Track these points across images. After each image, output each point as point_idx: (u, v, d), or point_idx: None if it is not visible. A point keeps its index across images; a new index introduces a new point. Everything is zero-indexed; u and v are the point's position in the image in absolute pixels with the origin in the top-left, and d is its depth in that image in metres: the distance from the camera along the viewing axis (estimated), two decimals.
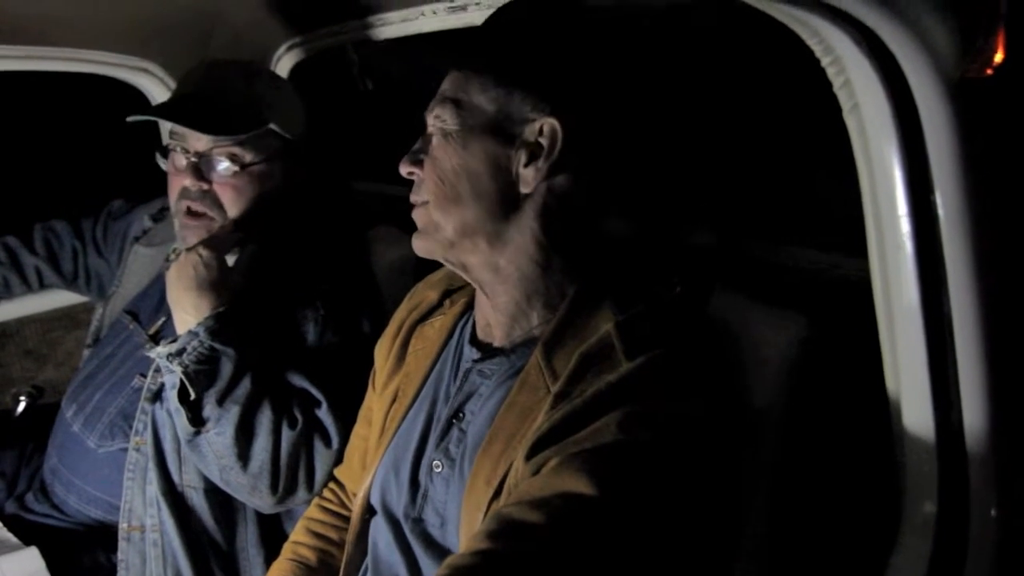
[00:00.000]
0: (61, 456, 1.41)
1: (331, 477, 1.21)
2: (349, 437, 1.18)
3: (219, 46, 1.71)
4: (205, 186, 1.29)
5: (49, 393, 1.86)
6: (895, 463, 0.86)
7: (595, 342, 0.84)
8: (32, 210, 1.73)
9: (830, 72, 0.80)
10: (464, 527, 0.84)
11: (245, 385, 1.16)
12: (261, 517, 1.31)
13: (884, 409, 0.86)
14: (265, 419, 1.16)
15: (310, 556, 1.11)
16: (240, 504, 1.29)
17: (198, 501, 1.28)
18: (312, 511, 1.19)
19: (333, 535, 1.13)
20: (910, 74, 0.74)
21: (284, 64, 1.81)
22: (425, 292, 1.11)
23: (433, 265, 1.14)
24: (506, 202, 0.89)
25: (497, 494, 0.81)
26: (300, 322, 1.26)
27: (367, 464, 1.05)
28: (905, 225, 0.77)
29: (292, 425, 1.18)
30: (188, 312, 1.18)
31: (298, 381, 1.22)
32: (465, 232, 0.89)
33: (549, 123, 0.87)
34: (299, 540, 1.14)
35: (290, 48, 1.78)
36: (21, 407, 1.83)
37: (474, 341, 0.98)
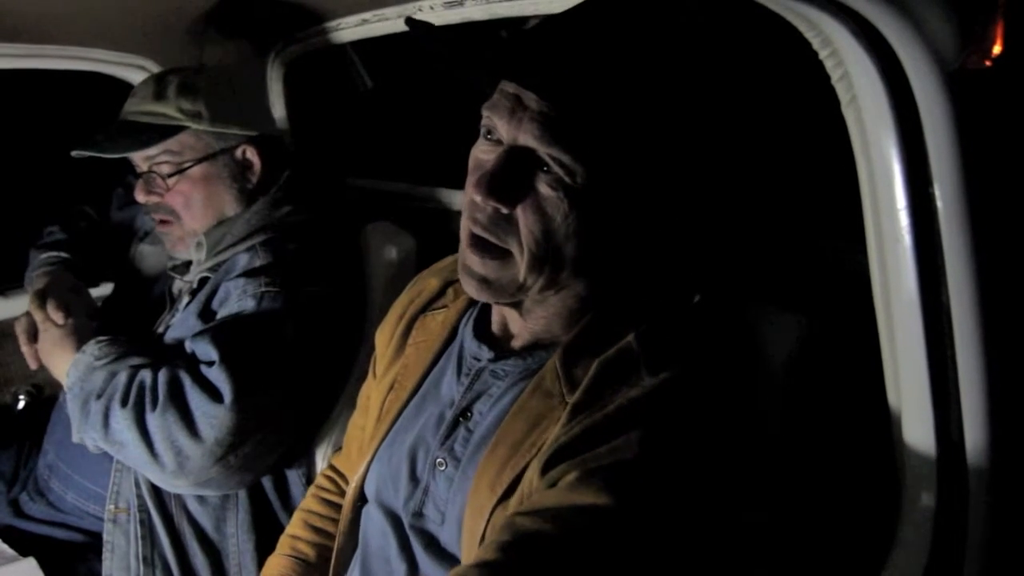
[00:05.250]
0: (59, 452, 1.42)
1: (236, 433, 1.19)
2: (250, 392, 1.18)
3: (214, 43, 1.71)
4: (155, 198, 1.38)
5: (48, 391, 1.86)
6: (894, 457, 0.86)
7: (615, 352, 0.81)
8: (32, 207, 1.73)
9: (828, 65, 0.80)
10: (466, 531, 0.83)
11: (91, 405, 1.23)
12: (253, 503, 1.33)
13: (882, 403, 0.86)
14: (121, 419, 1.20)
15: (309, 552, 1.11)
16: (232, 491, 1.31)
17: None
18: (310, 502, 1.17)
19: (332, 529, 1.11)
20: (908, 66, 0.74)
21: (281, 61, 1.81)
22: (427, 280, 1.08)
23: (436, 258, 1.14)
24: (601, 263, 0.84)
25: (502, 500, 0.80)
26: (240, 294, 1.28)
27: (363, 452, 1.04)
28: (904, 218, 0.77)
29: (153, 406, 1.19)
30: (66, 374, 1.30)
31: (189, 345, 1.25)
32: (547, 288, 0.83)
33: (661, 186, 0.81)
34: (297, 535, 1.13)
35: (287, 45, 1.77)
36: (21, 405, 1.83)
37: (482, 336, 0.94)
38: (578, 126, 0.75)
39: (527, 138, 0.76)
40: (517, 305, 0.88)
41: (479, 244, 0.81)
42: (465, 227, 0.83)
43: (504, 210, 0.78)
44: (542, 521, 0.70)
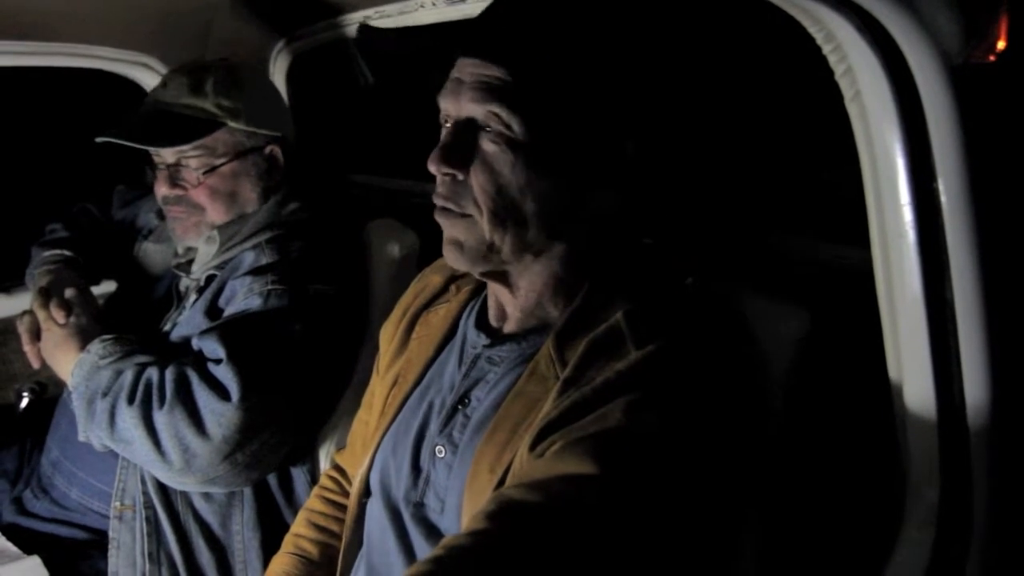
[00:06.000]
0: (63, 449, 1.42)
1: (244, 431, 1.18)
2: (258, 389, 1.18)
3: (217, 40, 1.71)
4: (179, 192, 1.38)
5: (51, 389, 1.86)
6: (898, 452, 0.86)
7: (604, 329, 0.83)
8: (34, 204, 1.73)
9: (832, 60, 0.80)
10: (466, 517, 0.83)
11: (96, 404, 1.23)
12: (258, 500, 1.33)
13: (887, 398, 0.86)
14: (128, 417, 1.19)
15: (312, 550, 1.11)
16: (238, 489, 1.31)
17: None
18: (313, 502, 1.18)
19: (335, 528, 1.12)
20: (912, 61, 0.74)
21: (283, 58, 1.81)
22: (430, 276, 1.10)
23: (438, 255, 1.14)
24: (568, 221, 0.86)
25: (501, 483, 0.80)
26: (246, 292, 1.28)
27: (366, 447, 1.05)
28: (907, 213, 0.77)
29: (160, 404, 1.19)
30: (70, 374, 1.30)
31: (196, 342, 1.25)
32: (519, 249, 0.86)
33: (629, 144, 0.84)
34: (301, 533, 1.14)
35: (289, 42, 1.77)
36: (24, 403, 1.83)
37: (483, 326, 0.96)
38: (508, 81, 0.81)
39: (468, 106, 0.83)
40: (504, 278, 0.90)
41: (443, 213, 0.87)
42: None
43: (459, 176, 0.84)
44: (528, 491, 0.71)
